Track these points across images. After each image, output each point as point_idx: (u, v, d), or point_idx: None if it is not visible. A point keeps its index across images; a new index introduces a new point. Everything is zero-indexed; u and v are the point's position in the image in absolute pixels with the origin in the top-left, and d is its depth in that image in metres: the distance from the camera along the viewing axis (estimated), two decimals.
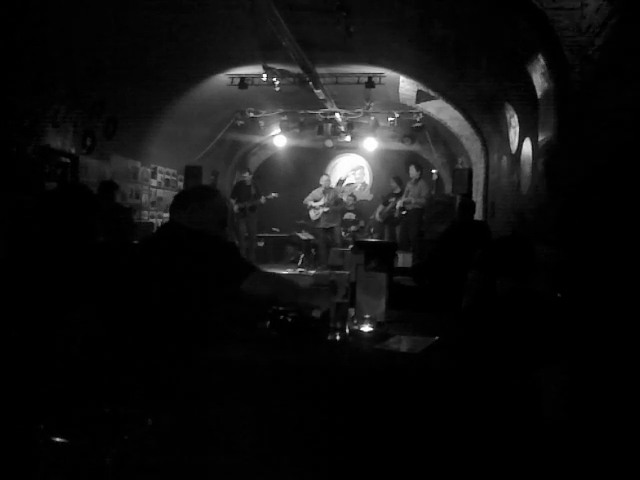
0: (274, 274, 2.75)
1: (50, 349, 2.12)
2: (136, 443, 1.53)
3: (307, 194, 11.58)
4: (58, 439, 1.47)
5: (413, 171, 10.33)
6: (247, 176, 11.12)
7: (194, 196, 2.62)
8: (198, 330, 2.22)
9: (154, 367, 2.04)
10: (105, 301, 2.22)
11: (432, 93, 8.81)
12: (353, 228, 11.73)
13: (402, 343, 2.54)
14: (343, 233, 11.42)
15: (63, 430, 1.48)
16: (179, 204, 2.59)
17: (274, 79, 8.67)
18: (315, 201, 11.13)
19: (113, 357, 2.06)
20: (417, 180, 10.30)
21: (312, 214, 11.20)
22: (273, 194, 11.01)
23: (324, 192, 11.10)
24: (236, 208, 10.80)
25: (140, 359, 2.05)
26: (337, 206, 11.12)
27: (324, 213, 11.00)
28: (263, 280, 2.44)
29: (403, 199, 10.24)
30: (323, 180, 11.34)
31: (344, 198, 11.72)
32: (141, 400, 1.90)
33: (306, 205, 11.26)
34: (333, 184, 11.66)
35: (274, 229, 12.69)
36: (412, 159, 11.52)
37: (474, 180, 9.85)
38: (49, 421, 1.51)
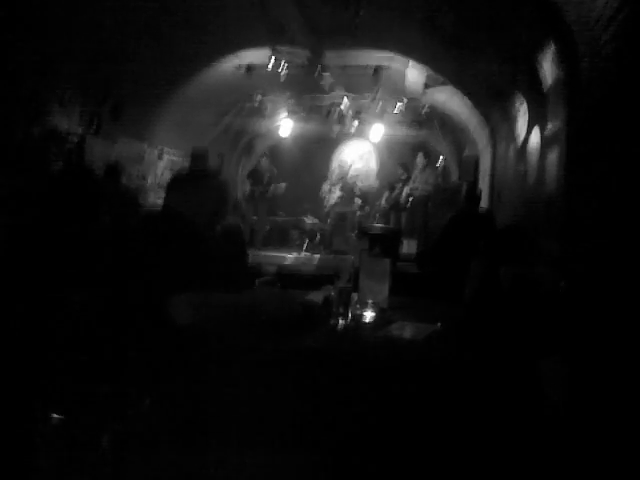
0: (212, 300, 2.32)
1: (50, 328, 2.13)
2: (134, 421, 1.55)
3: (313, 179, 11.57)
4: (56, 416, 1.48)
5: (421, 158, 10.30)
6: (264, 161, 11.17)
7: (192, 180, 2.54)
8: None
9: (151, 348, 2.05)
10: (105, 282, 2.22)
11: (441, 78, 8.75)
12: (359, 214, 11.72)
13: (404, 330, 2.56)
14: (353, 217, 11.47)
15: (61, 407, 1.49)
16: (175, 187, 2.51)
17: (282, 63, 8.62)
18: (332, 185, 11.22)
19: (112, 337, 2.07)
20: (425, 167, 10.27)
21: (328, 198, 11.27)
22: (282, 184, 11.05)
23: (341, 178, 11.17)
24: (249, 191, 10.88)
25: (137, 338, 2.06)
26: (352, 191, 11.18)
27: (340, 197, 11.07)
28: (188, 307, 2.18)
29: (410, 186, 10.21)
30: (343, 165, 11.40)
31: (355, 182, 11.77)
32: (140, 379, 1.92)
33: (322, 188, 11.34)
34: (340, 169, 11.68)
35: (279, 213, 12.69)
36: (420, 147, 11.48)
37: (481, 168, 9.82)
38: (47, 398, 1.52)
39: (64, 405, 1.53)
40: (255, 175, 11.09)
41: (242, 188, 10.98)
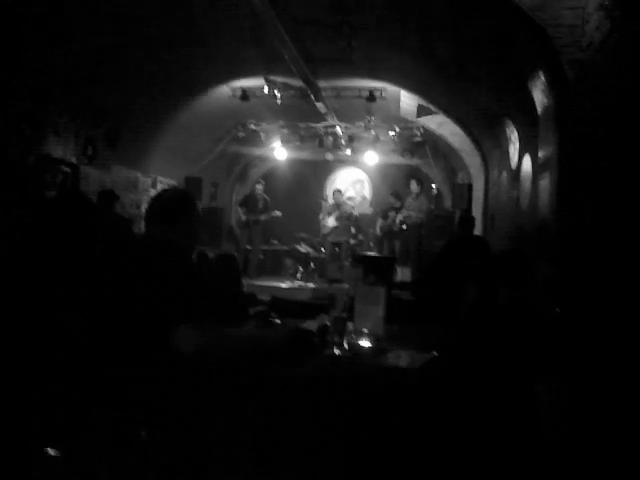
0: (207, 332, 2.41)
1: (44, 357, 2.10)
2: (130, 454, 1.52)
3: (307, 207, 11.58)
4: (51, 450, 1.45)
5: (414, 186, 10.34)
6: (258, 188, 11.15)
7: (173, 212, 2.45)
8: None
9: (148, 377, 2.02)
10: (98, 307, 2.19)
11: (433, 108, 8.84)
12: (352, 242, 11.72)
13: (400, 358, 2.54)
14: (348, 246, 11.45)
15: (56, 441, 1.46)
16: (163, 217, 2.43)
17: (276, 92, 8.71)
18: (327, 215, 11.20)
19: (106, 367, 2.04)
20: (418, 195, 10.31)
21: (323, 228, 11.25)
22: (277, 212, 11.01)
23: (337, 207, 11.15)
24: (243, 218, 10.85)
25: (133, 369, 2.04)
26: (348, 221, 11.16)
27: (334, 227, 11.04)
28: (190, 337, 2.23)
29: (404, 213, 10.24)
30: (337, 195, 11.39)
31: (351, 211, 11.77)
32: (136, 411, 1.89)
33: (319, 218, 11.33)
34: (335, 198, 11.68)
35: (273, 241, 12.67)
36: (413, 174, 11.53)
37: (474, 195, 9.87)
38: (42, 431, 1.49)
39: (59, 439, 1.50)
40: (249, 203, 11.06)
41: (236, 215, 10.92)
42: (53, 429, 1.55)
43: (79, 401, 1.88)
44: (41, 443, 1.46)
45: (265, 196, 11.16)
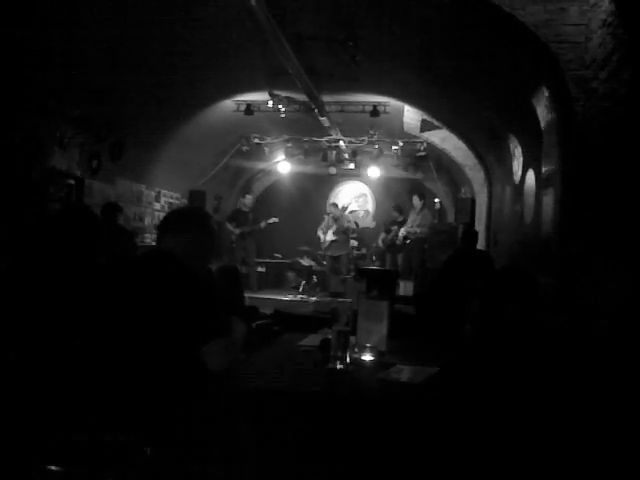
0: (225, 341, 2.35)
1: (47, 373, 2.09)
2: (134, 472, 1.50)
3: (310, 220, 11.60)
4: (54, 467, 1.43)
5: (417, 200, 10.35)
6: (246, 201, 11.09)
7: (186, 221, 2.45)
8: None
9: (152, 395, 2.01)
10: (101, 324, 2.18)
11: (436, 122, 8.87)
12: (355, 255, 11.71)
13: (403, 373, 2.52)
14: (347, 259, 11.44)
15: (59, 458, 1.44)
16: (169, 227, 2.43)
17: (280, 106, 8.75)
18: (326, 229, 11.18)
19: (110, 383, 2.03)
20: (421, 209, 10.32)
21: (321, 242, 11.23)
22: (273, 219, 10.96)
23: (335, 220, 11.14)
24: (237, 232, 10.79)
25: (138, 386, 2.02)
26: (345, 235, 11.15)
27: (333, 241, 11.02)
28: (222, 352, 2.21)
29: (407, 228, 10.23)
30: (333, 209, 11.38)
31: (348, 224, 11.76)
32: (140, 429, 1.87)
33: (317, 233, 11.31)
34: (332, 211, 11.67)
35: (276, 255, 12.67)
36: (415, 188, 11.56)
37: (477, 209, 9.86)
38: (45, 449, 1.47)
39: (61, 456, 1.48)
40: (238, 217, 10.98)
41: (228, 230, 10.81)
42: (57, 446, 1.54)
43: (83, 421, 1.87)
44: (43, 459, 1.44)
45: (252, 207, 11.11)
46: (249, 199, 11.16)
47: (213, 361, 2.14)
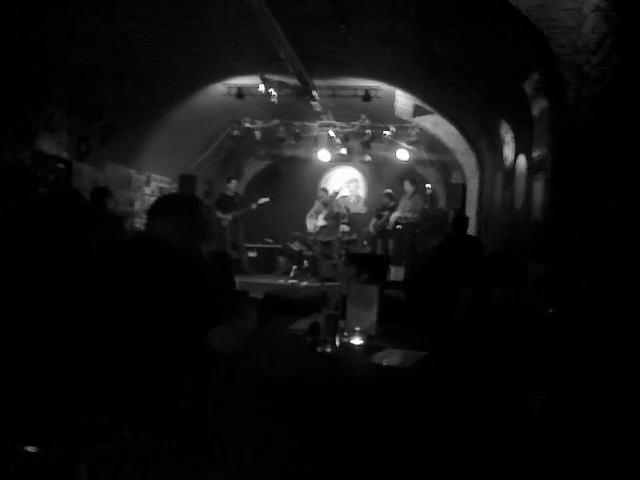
0: (239, 325, 2.39)
1: (29, 355, 2.08)
2: (112, 453, 1.50)
3: (301, 205, 11.57)
4: (31, 448, 1.43)
5: (408, 186, 10.34)
6: (231, 186, 11.02)
7: (176, 206, 2.47)
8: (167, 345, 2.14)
9: (131, 375, 2.00)
10: (88, 308, 2.17)
11: (428, 108, 8.85)
12: (346, 240, 11.71)
13: (392, 357, 2.53)
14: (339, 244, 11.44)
15: (36, 439, 1.44)
16: (159, 212, 2.44)
17: (271, 90, 8.69)
18: (315, 214, 11.15)
19: (91, 365, 2.02)
20: (412, 195, 10.31)
21: (310, 227, 11.20)
22: (264, 199, 10.90)
23: (324, 205, 11.11)
24: (229, 217, 10.74)
25: (117, 366, 2.02)
26: (336, 220, 11.14)
27: (323, 227, 11.01)
28: (229, 335, 2.23)
29: (399, 213, 10.23)
30: (323, 194, 11.35)
31: (338, 210, 11.75)
32: (119, 410, 1.87)
33: (305, 220, 11.29)
34: (322, 197, 11.63)
35: (267, 240, 12.66)
36: (407, 174, 11.54)
37: (468, 195, 9.88)
38: (22, 430, 1.47)
39: (39, 436, 1.48)
40: (224, 202, 10.88)
41: (216, 216, 10.73)
42: (34, 427, 1.53)
43: (64, 402, 1.86)
44: (20, 440, 1.44)
45: (239, 193, 11.06)
46: (233, 184, 11.07)
47: (220, 344, 2.15)
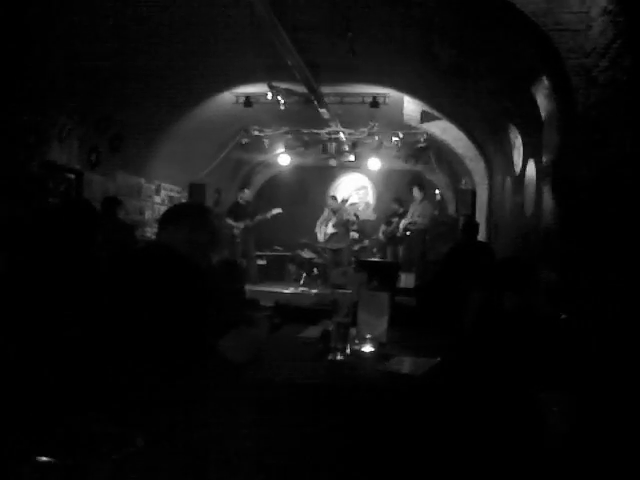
0: (250, 334, 2.51)
1: (43, 365, 2.09)
2: (125, 463, 1.49)
3: (310, 213, 11.59)
4: (43, 458, 1.42)
5: (417, 192, 10.33)
6: (244, 195, 11.10)
7: (186, 215, 2.49)
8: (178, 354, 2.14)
9: (144, 385, 2.00)
10: (96, 316, 2.18)
11: (436, 113, 8.84)
12: (356, 247, 11.71)
13: (403, 364, 2.51)
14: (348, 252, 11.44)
15: (48, 449, 1.43)
16: (170, 221, 2.46)
17: (279, 98, 8.71)
18: (324, 221, 11.18)
19: (103, 374, 2.02)
20: (421, 201, 10.30)
21: (320, 234, 11.22)
22: (276, 210, 10.97)
23: (333, 213, 11.14)
24: (241, 226, 10.80)
25: (131, 376, 2.02)
26: (345, 227, 11.15)
27: (332, 234, 11.02)
28: (241, 343, 2.25)
29: (408, 219, 10.21)
30: (332, 201, 11.39)
31: (348, 217, 11.76)
32: (133, 419, 1.87)
33: (315, 228, 11.32)
34: (331, 204, 11.66)
35: (276, 247, 12.67)
36: (415, 180, 11.53)
37: (478, 201, 9.84)
38: (34, 440, 1.47)
39: (49, 446, 1.47)
40: (237, 211, 10.95)
41: (228, 224, 10.83)
42: (43, 438, 1.53)
43: (71, 412, 1.86)
44: (32, 450, 1.44)
45: (250, 201, 11.14)
46: (247, 193, 11.19)
47: (231, 353, 2.17)
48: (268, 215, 10.87)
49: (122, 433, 1.60)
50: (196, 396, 2.05)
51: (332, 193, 12.73)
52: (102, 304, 2.20)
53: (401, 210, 10.67)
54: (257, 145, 11.24)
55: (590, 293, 4.06)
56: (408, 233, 10.19)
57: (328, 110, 9.27)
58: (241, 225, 10.72)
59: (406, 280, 9.04)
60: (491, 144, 8.30)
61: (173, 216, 2.50)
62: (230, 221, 10.74)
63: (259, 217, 10.84)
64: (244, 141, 10.87)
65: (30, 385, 2.02)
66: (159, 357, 2.06)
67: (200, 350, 2.12)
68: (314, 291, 10.09)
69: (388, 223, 10.88)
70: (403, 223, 10.27)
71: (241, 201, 11.03)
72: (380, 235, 11.13)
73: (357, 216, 12.20)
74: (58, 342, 2.18)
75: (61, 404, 1.91)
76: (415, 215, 10.15)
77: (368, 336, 2.73)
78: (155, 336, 2.08)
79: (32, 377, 2.05)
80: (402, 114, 9.49)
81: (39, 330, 2.26)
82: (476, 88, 6.91)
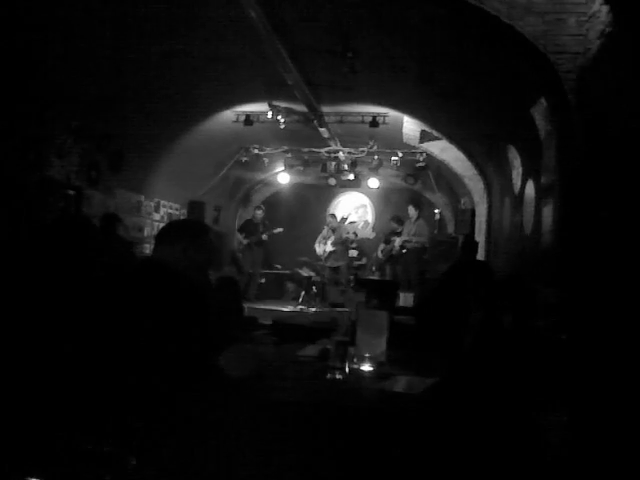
0: (250, 350, 2.52)
1: (33, 383, 2.07)
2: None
3: (310, 231, 11.62)
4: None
5: (412, 210, 10.38)
6: (258, 213, 11.28)
7: (183, 232, 2.48)
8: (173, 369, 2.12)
9: (142, 403, 1.99)
10: (92, 333, 2.16)
11: (436, 133, 8.88)
12: (355, 266, 11.71)
13: (402, 383, 2.50)
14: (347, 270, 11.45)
15: (40, 469, 1.41)
16: (166, 238, 2.46)
17: (279, 117, 8.76)
18: (323, 239, 11.23)
19: (98, 392, 2.01)
20: (416, 219, 10.33)
21: (319, 252, 11.25)
22: (277, 229, 11.10)
23: (332, 231, 11.19)
24: (245, 242, 10.93)
25: (127, 394, 2.00)
26: (344, 246, 11.19)
27: (331, 252, 11.05)
28: (240, 359, 2.27)
29: (403, 238, 10.23)
30: (331, 220, 11.46)
31: (347, 235, 11.79)
32: (125, 439, 1.85)
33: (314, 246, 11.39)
34: (330, 223, 11.71)
35: (275, 265, 12.67)
36: (411, 199, 11.57)
37: (477, 220, 9.85)
38: (25, 460, 1.45)
39: (43, 468, 1.45)
40: (248, 228, 11.15)
41: (237, 240, 11.08)
42: (36, 460, 1.51)
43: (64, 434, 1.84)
44: (24, 471, 1.41)
45: (265, 221, 11.28)
46: (260, 213, 11.43)
47: (231, 368, 2.17)
48: (275, 231, 11.09)
49: (115, 452, 1.58)
50: (193, 414, 2.03)
51: (331, 211, 12.77)
52: (98, 322, 2.19)
53: (400, 229, 10.69)
54: (257, 163, 11.30)
55: (590, 313, 4.05)
56: (404, 251, 10.19)
57: (328, 129, 9.31)
58: (245, 241, 10.91)
59: (405, 299, 9.03)
60: (490, 164, 8.34)
61: (170, 233, 2.51)
62: (240, 237, 10.96)
63: (264, 236, 10.99)
64: (244, 159, 10.93)
65: (21, 404, 2.00)
66: (154, 375, 2.04)
67: (197, 367, 2.11)
68: (313, 309, 10.06)
69: (387, 242, 10.89)
70: (399, 241, 10.28)
71: (255, 220, 11.21)
72: (379, 254, 11.13)
73: (356, 234, 12.23)
74: (51, 360, 2.16)
75: (54, 423, 1.88)
76: (410, 233, 10.17)
77: (367, 355, 2.71)
78: (150, 354, 2.07)
79: (24, 396, 2.03)
80: (401, 133, 9.54)
81: (32, 347, 2.24)
82: (475, 109, 6.95)
